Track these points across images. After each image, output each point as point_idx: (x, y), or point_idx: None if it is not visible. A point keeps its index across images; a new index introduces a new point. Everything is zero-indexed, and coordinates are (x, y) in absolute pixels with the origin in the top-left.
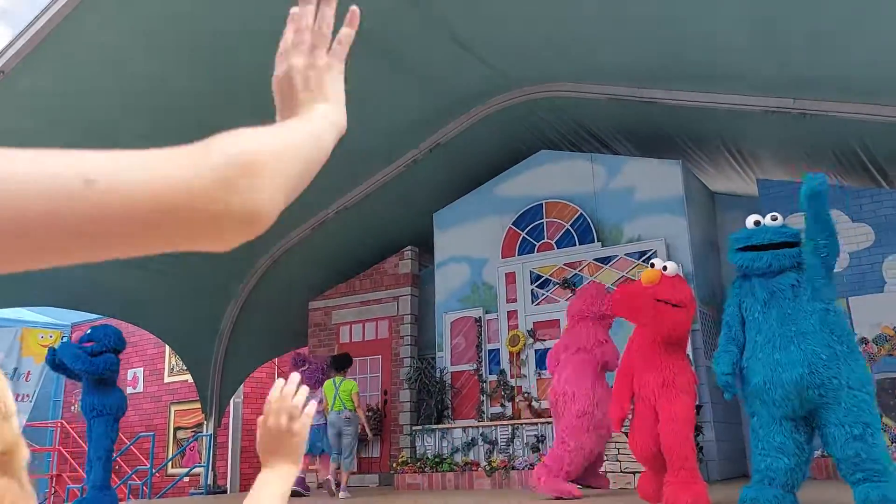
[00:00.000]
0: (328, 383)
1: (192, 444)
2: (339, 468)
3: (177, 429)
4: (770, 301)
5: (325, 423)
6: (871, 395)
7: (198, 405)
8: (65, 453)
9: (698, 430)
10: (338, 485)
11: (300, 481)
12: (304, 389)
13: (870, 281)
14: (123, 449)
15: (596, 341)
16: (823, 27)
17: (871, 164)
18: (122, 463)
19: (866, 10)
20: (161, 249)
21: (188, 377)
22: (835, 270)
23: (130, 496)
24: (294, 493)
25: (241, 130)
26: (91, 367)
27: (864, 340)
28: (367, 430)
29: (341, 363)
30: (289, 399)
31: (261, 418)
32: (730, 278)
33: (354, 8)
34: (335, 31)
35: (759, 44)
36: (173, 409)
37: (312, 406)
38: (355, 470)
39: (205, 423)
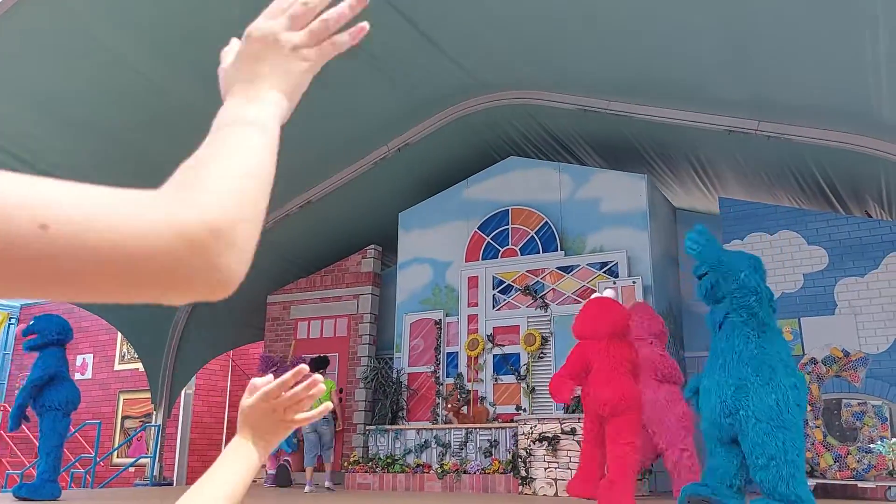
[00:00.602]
0: None
1: (139, 435)
2: (314, 468)
3: (125, 418)
4: (714, 328)
5: None
6: (785, 426)
7: (148, 395)
8: (6, 437)
9: None
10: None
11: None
12: (321, 389)
13: (821, 303)
14: (68, 436)
15: (659, 357)
16: (791, 53)
17: (829, 189)
18: (66, 450)
19: (829, 40)
20: (118, 300)
21: (139, 366)
22: (769, 300)
23: (73, 485)
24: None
25: (205, 172)
26: (32, 386)
27: (813, 361)
28: (341, 420)
29: (320, 364)
30: (301, 393)
31: (252, 399)
32: (688, 293)
33: (365, 24)
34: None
35: (729, 66)
36: (122, 397)
37: (325, 408)
38: (332, 461)
39: (154, 413)
